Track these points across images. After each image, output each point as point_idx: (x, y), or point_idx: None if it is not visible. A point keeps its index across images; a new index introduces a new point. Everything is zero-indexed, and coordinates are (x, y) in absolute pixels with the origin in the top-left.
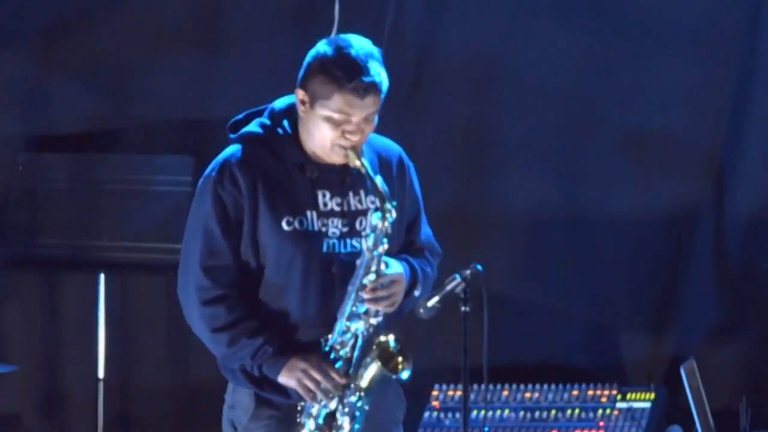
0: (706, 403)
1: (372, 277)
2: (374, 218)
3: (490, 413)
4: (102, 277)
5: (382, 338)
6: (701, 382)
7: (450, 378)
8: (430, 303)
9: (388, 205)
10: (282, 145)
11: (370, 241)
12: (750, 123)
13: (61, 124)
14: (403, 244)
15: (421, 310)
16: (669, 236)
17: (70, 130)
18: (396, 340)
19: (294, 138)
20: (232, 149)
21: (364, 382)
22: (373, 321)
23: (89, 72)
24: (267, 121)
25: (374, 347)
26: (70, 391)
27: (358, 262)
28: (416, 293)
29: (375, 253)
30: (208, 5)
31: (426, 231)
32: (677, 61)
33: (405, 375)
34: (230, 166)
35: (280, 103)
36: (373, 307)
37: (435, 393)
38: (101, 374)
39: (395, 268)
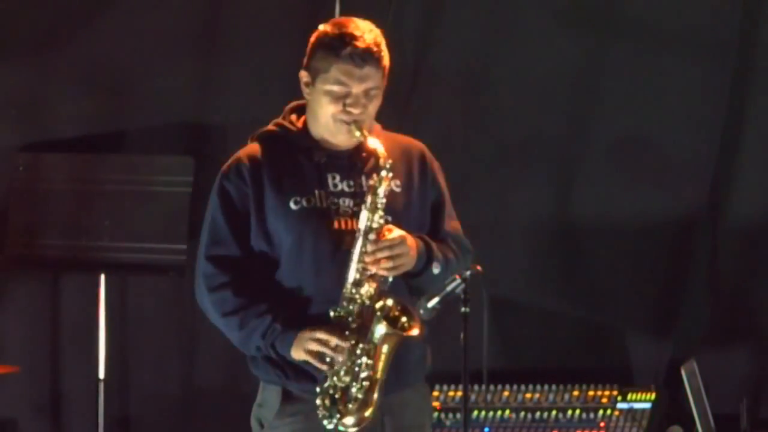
0: (707, 404)
1: (373, 236)
2: (371, 179)
3: (491, 414)
4: (102, 277)
5: (381, 303)
6: (702, 382)
7: (450, 378)
8: (431, 304)
9: (382, 162)
10: (291, 136)
11: (368, 202)
12: (747, 129)
13: (62, 125)
14: (427, 232)
15: (422, 311)
16: (669, 238)
17: (70, 131)
18: (396, 302)
19: (303, 128)
20: (245, 147)
21: (376, 348)
22: (381, 286)
23: (90, 73)
24: (279, 120)
25: (377, 312)
26: (71, 392)
27: (358, 225)
28: (435, 271)
29: (376, 215)
30: (209, 6)
31: (453, 225)
32: (674, 68)
33: (415, 332)
34: (238, 159)
35: (292, 104)
36: (375, 269)
37: (435, 393)
38: (101, 375)
39: (400, 231)
